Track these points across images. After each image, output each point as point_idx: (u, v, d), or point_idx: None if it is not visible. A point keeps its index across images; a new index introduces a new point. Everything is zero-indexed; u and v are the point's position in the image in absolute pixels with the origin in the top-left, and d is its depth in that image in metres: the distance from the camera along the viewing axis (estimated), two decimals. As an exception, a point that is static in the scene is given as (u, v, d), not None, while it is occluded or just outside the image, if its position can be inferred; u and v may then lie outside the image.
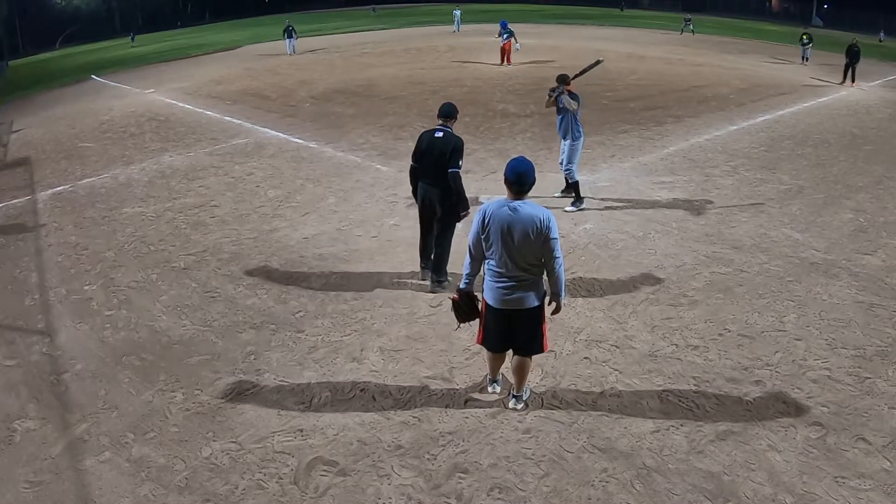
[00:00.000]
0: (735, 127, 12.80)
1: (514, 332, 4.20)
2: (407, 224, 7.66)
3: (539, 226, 3.87)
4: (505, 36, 21.81)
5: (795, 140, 11.86)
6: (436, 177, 5.88)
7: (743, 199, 8.68)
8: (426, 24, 41.37)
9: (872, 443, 4.10)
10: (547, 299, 4.16)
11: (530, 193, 4.02)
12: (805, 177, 9.66)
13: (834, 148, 11.36)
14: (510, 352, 4.40)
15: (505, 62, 21.82)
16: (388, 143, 11.92)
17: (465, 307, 4.33)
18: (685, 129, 12.62)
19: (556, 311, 4.19)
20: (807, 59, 22.77)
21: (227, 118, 14.77)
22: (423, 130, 6.16)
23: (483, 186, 9.12)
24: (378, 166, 10.46)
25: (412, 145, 6.12)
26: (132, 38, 43.62)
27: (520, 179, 3.92)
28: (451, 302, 4.41)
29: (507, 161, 4.07)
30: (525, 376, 4.42)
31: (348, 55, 26.29)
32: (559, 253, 3.99)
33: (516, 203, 3.94)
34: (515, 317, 4.12)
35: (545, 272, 4.06)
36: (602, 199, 8.65)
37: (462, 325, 4.53)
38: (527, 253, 3.94)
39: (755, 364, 4.96)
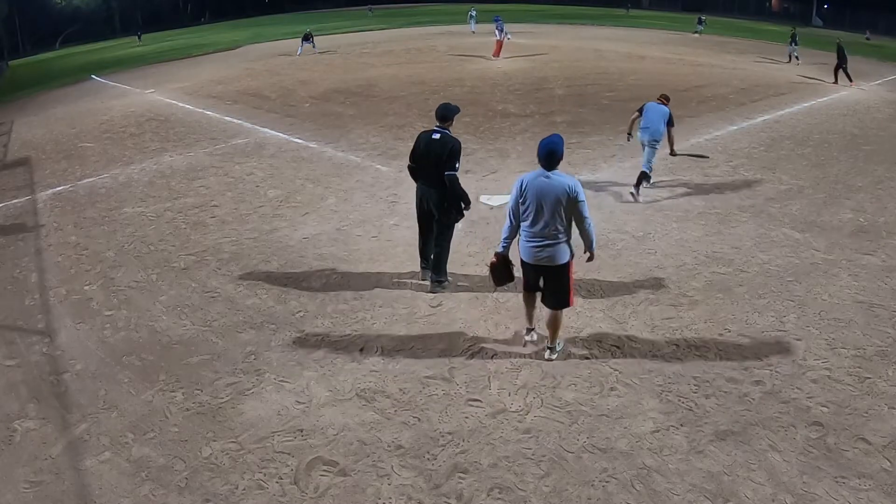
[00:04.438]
0: (735, 127, 12.80)
1: (544, 283, 4.83)
2: (407, 224, 7.66)
3: (568, 191, 4.53)
4: (500, 32, 22.76)
5: (795, 140, 11.85)
6: (433, 179, 5.88)
7: (743, 199, 8.68)
8: (425, 24, 41.37)
9: (872, 443, 4.10)
10: (582, 250, 4.82)
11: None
12: (805, 177, 9.66)
13: (834, 148, 11.35)
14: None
15: (494, 55, 22.73)
16: (388, 143, 11.92)
17: (501, 270, 4.95)
18: (685, 129, 12.57)
19: (590, 259, 4.90)
20: (797, 59, 22.67)
21: (227, 118, 14.77)
22: (420, 131, 6.16)
23: (483, 186, 9.12)
24: (378, 166, 10.45)
25: (412, 145, 6.12)
26: (139, 37, 43.74)
27: (549, 156, 4.61)
28: (488, 267, 5.05)
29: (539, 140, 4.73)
30: (558, 329, 4.97)
31: (348, 55, 26.30)
32: (587, 213, 4.63)
33: (549, 173, 4.61)
34: (545, 272, 4.76)
35: (572, 234, 4.69)
36: (602, 199, 8.64)
37: (499, 287, 5.17)
38: (558, 215, 4.57)
39: (755, 364, 4.96)
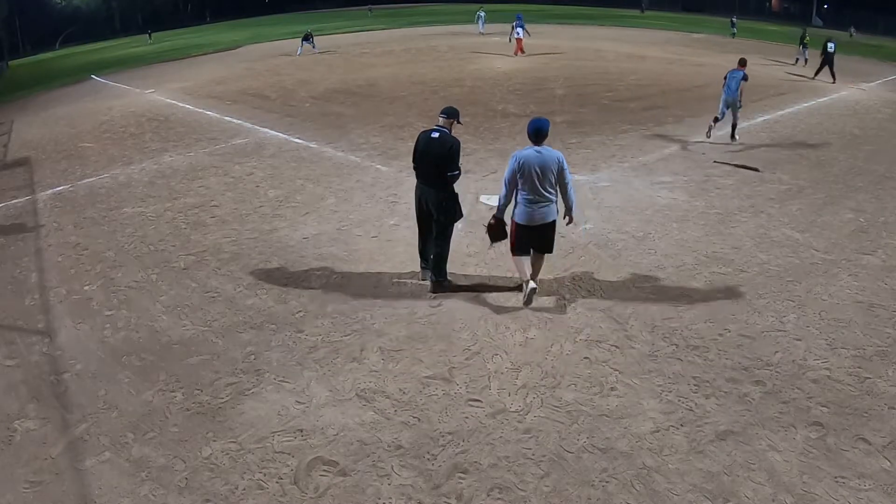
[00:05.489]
0: (735, 127, 12.79)
1: (536, 239, 5.76)
2: (407, 224, 7.66)
3: (558, 162, 5.47)
4: (519, 30, 23.92)
5: (795, 140, 11.85)
6: (432, 178, 5.88)
7: (743, 199, 8.68)
8: (425, 24, 41.38)
9: (872, 443, 4.11)
10: (562, 215, 5.69)
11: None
12: (805, 177, 9.66)
13: (834, 148, 11.35)
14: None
15: (518, 53, 23.70)
16: (388, 143, 11.92)
17: (497, 230, 5.85)
18: (685, 129, 12.61)
19: (570, 222, 5.77)
20: (805, 61, 22.59)
21: (227, 118, 14.77)
22: (420, 131, 6.16)
23: (483, 186, 9.12)
24: (378, 166, 10.46)
25: (412, 145, 6.13)
26: (149, 36, 43.89)
27: (537, 132, 5.52)
28: (485, 227, 5.98)
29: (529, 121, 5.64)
30: (540, 269, 5.99)
31: (348, 55, 26.30)
32: (570, 179, 5.60)
33: (539, 147, 5.50)
34: (540, 229, 5.67)
35: (559, 196, 5.60)
36: (602, 199, 8.65)
37: (494, 244, 6.10)
38: (549, 181, 5.49)
39: (755, 364, 4.96)
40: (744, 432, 4.22)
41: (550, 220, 5.66)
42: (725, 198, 8.72)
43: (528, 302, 5.83)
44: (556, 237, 5.88)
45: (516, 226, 5.71)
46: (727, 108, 11.40)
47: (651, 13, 51.36)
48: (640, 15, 49.44)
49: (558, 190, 5.63)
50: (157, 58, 30.70)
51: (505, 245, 6.23)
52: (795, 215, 8.08)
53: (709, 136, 11.57)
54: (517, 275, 6.15)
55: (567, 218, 5.72)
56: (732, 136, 11.60)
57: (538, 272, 6.00)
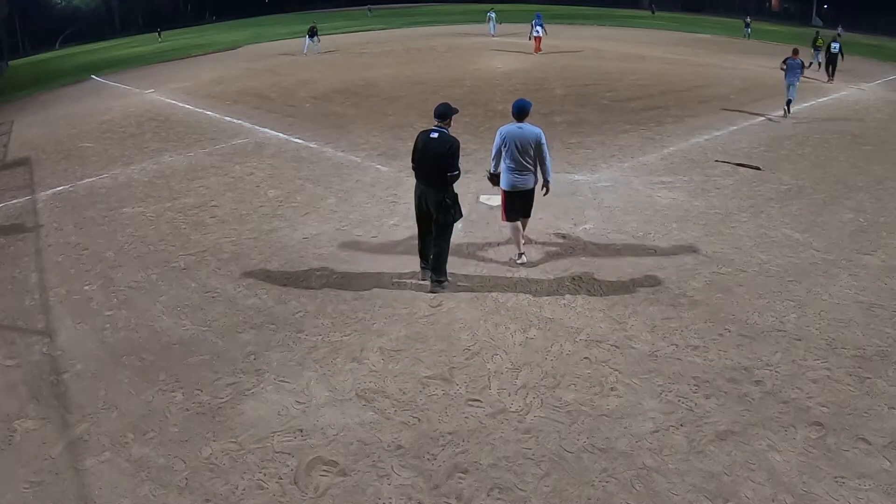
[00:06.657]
0: (735, 127, 12.78)
1: (521, 204, 6.50)
2: (407, 224, 7.66)
3: (536, 137, 6.21)
4: (539, 29, 24.70)
5: (795, 140, 11.85)
6: (432, 178, 5.88)
7: (743, 199, 8.68)
8: (425, 24, 41.38)
9: (872, 443, 4.10)
10: (539, 185, 6.44)
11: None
12: (805, 177, 9.66)
13: (834, 148, 11.35)
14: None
15: (536, 51, 24.53)
16: (388, 143, 11.92)
17: (494, 180, 6.51)
18: (685, 129, 12.61)
19: (547, 192, 6.47)
20: (819, 64, 21.93)
21: (227, 118, 14.77)
22: (420, 131, 6.17)
23: (483, 186, 9.09)
24: (378, 166, 10.45)
25: (412, 145, 6.13)
26: (159, 34, 44.01)
27: (520, 110, 6.26)
28: (487, 177, 6.65)
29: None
30: (526, 226, 6.83)
31: (348, 55, 26.31)
32: (547, 152, 6.31)
33: (521, 124, 6.25)
34: (522, 194, 6.45)
35: (538, 166, 6.36)
36: (602, 199, 8.65)
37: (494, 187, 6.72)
38: (528, 153, 6.24)
39: (755, 364, 4.96)
40: (744, 432, 4.22)
41: (530, 187, 6.43)
42: (725, 198, 8.71)
43: (521, 258, 6.76)
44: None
45: (505, 194, 6.45)
46: (789, 89, 13.68)
47: (638, 12, 51.35)
48: (649, 16, 49.28)
49: (537, 162, 6.34)
50: (158, 58, 30.71)
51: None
52: (795, 215, 8.08)
53: (786, 116, 13.67)
54: (516, 253, 6.80)
55: (544, 189, 6.41)
56: (787, 112, 13.73)
57: (525, 226, 6.86)
